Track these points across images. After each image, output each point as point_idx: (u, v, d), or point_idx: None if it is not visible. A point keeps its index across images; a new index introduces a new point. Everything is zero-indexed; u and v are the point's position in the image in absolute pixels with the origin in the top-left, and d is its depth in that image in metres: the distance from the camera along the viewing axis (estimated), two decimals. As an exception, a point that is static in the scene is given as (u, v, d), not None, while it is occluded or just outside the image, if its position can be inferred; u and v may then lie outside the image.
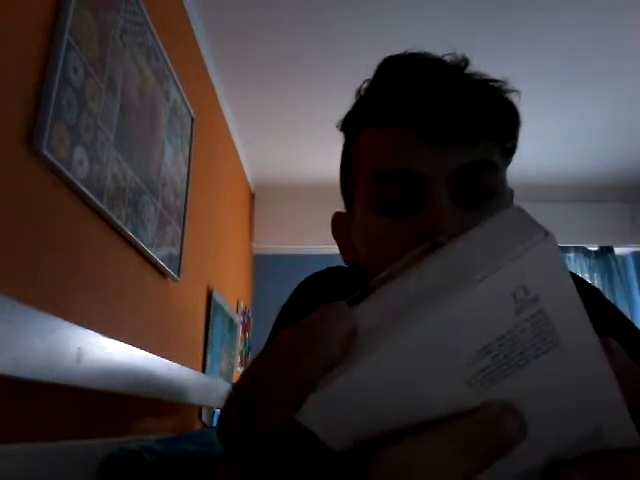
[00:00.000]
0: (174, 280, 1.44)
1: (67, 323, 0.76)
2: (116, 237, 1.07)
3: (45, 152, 0.77)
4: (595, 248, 3.23)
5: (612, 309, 0.53)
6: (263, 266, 3.13)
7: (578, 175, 3.00)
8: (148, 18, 1.25)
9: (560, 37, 1.90)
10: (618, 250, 3.21)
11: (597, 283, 3.15)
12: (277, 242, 3.04)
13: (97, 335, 0.85)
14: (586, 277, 3.13)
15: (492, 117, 0.43)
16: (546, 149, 2.67)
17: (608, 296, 2.84)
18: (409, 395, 0.18)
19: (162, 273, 1.36)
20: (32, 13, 0.81)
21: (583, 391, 0.20)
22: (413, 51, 0.47)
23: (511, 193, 0.51)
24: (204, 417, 1.68)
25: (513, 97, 0.45)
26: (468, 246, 0.19)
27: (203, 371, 1.78)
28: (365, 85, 0.50)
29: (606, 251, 3.21)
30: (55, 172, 0.83)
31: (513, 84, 0.45)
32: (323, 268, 0.66)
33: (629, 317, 0.52)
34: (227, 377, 2.14)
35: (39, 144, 0.77)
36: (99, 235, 1.00)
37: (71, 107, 0.86)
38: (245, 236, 2.91)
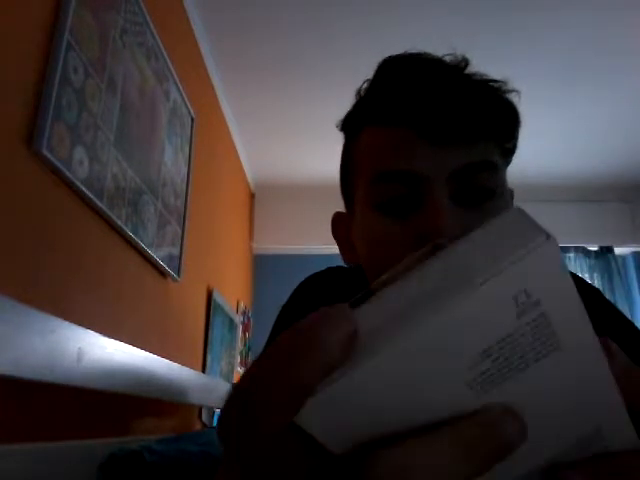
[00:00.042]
0: (174, 280, 1.44)
1: (67, 323, 0.76)
2: (116, 237, 1.07)
3: (45, 152, 0.77)
4: (595, 248, 3.23)
5: (612, 309, 0.53)
6: (263, 266, 3.13)
7: (578, 175, 3.00)
8: (148, 18, 1.25)
9: (560, 37, 1.90)
10: (618, 250, 3.21)
11: (597, 283, 3.15)
12: (277, 242, 3.04)
13: (97, 335, 0.85)
14: (586, 277, 3.13)
15: (492, 117, 0.43)
16: (546, 149, 2.67)
17: (608, 296, 2.84)
18: (410, 398, 0.18)
19: (162, 273, 1.36)
20: (32, 13, 0.81)
21: (583, 393, 0.20)
22: (413, 51, 0.47)
23: (511, 193, 0.51)
24: (204, 417, 1.68)
25: (513, 97, 0.45)
26: (469, 248, 0.19)
27: (203, 371, 1.78)
28: (365, 85, 0.49)
29: (606, 251, 3.21)
30: (55, 172, 0.83)
31: (513, 84, 0.45)
32: (323, 268, 0.66)
33: (629, 317, 0.52)
34: (227, 377, 2.14)
35: (39, 144, 0.77)
36: (99, 235, 1.00)
37: (71, 107, 0.86)
38: (245, 236, 2.91)
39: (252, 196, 3.13)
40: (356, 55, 1.87)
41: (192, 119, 1.64)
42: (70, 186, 0.87)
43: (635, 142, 2.64)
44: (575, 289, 0.18)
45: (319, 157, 2.67)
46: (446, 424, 0.18)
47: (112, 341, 0.91)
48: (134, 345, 1.02)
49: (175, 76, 1.46)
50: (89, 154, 0.92)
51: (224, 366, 2.11)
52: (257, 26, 1.83)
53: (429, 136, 0.42)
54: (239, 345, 2.51)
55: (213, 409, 1.74)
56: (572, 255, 3.22)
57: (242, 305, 2.68)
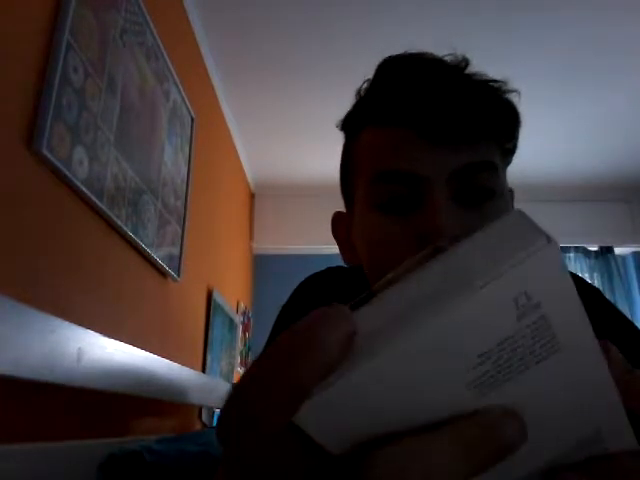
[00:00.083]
0: (174, 280, 1.44)
1: (67, 323, 0.76)
2: (116, 237, 1.08)
3: (45, 152, 0.77)
4: (595, 248, 3.23)
5: (612, 309, 0.53)
6: (263, 266, 3.13)
7: (578, 175, 3.00)
8: (148, 18, 1.25)
9: (560, 37, 1.90)
10: (618, 250, 3.22)
11: (597, 283, 3.15)
12: (277, 242, 3.05)
13: (97, 335, 0.85)
14: (586, 277, 3.13)
15: (492, 117, 0.43)
16: (546, 149, 2.67)
17: (608, 296, 2.84)
18: (409, 399, 0.18)
19: (162, 273, 1.36)
20: (32, 13, 0.81)
21: (583, 395, 0.20)
22: (413, 51, 0.47)
23: (511, 193, 0.51)
24: (204, 417, 1.68)
25: (513, 97, 0.45)
26: (469, 251, 0.19)
27: (203, 371, 1.78)
28: (365, 85, 0.50)
29: (606, 251, 3.21)
30: (55, 172, 0.83)
31: (513, 84, 0.45)
32: (323, 268, 0.66)
33: (629, 317, 0.52)
34: (227, 377, 2.14)
35: (39, 144, 0.77)
36: (99, 235, 1.00)
37: (71, 107, 0.86)
38: (245, 236, 2.91)
39: (252, 196, 3.13)
40: (356, 55, 1.87)
41: (192, 119, 1.64)
42: (70, 186, 0.87)
43: (635, 142, 2.64)
44: (575, 292, 0.18)
45: (319, 157, 2.67)
46: (445, 424, 0.18)
47: (112, 341, 0.91)
48: (134, 345, 1.02)
49: (175, 76, 1.46)
50: (89, 154, 0.92)
51: (224, 366, 2.11)
52: (257, 26, 1.83)
53: (429, 136, 0.42)
54: (239, 345, 2.51)
55: (213, 409, 1.74)
56: (572, 255, 3.22)
57: (242, 305, 2.68)
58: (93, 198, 0.93)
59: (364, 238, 0.47)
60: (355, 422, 0.18)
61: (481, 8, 1.75)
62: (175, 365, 1.28)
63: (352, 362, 0.17)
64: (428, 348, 0.17)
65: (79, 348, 0.78)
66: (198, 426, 1.64)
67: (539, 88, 2.16)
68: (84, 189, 0.89)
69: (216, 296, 1.97)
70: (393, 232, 0.43)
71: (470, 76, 0.45)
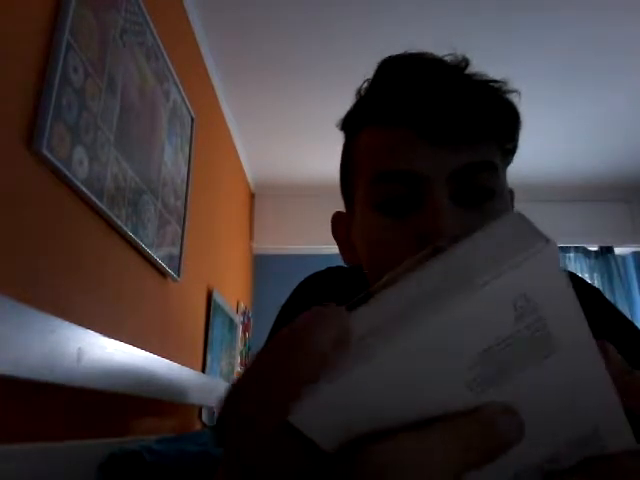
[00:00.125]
0: (174, 280, 1.44)
1: (67, 323, 0.76)
2: (116, 237, 1.08)
3: (45, 152, 0.77)
4: (595, 248, 3.23)
5: (612, 309, 0.53)
6: (263, 266, 3.13)
7: (578, 175, 3.00)
8: (148, 18, 1.25)
9: (560, 37, 1.90)
10: (618, 250, 3.22)
11: (597, 283, 3.15)
12: (277, 242, 3.04)
13: (97, 335, 0.85)
14: (586, 277, 3.13)
15: (492, 118, 0.43)
16: (546, 149, 2.67)
17: (608, 296, 2.84)
18: (408, 397, 0.18)
19: (162, 273, 1.36)
20: (32, 13, 0.81)
21: (580, 394, 0.20)
22: (413, 51, 0.47)
23: (511, 193, 0.51)
24: (204, 417, 1.68)
25: (513, 97, 0.45)
26: (469, 251, 0.19)
27: (203, 371, 1.78)
28: (365, 85, 0.49)
29: (606, 251, 3.21)
30: (55, 172, 0.83)
31: (513, 84, 0.45)
32: (323, 268, 0.66)
33: (629, 317, 0.52)
34: (227, 377, 2.14)
35: (39, 144, 0.77)
36: (99, 235, 1.00)
37: (71, 107, 0.86)
38: (245, 236, 2.91)
39: (252, 196, 3.13)
40: (356, 55, 1.87)
41: (192, 119, 1.64)
42: (70, 186, 0.87)
43: (635, 142, 2.64)
44: (573, 293, 0.18)
45: (319, 157, 2.67)
46: (439, 420, 0.18)
47: (112, 341, 0.91)
48: (134, 345, 1.02)
49: (175, 76, 1.46)
50: (89, 154, 0.92)
51: (224, 366, 2.11)
52: (257, 26, 1.83)
53: (429, 136, 0.42)
54: (239, 345, 2.51)
55: (213, 409, 1.74)
56: (572, 255, 3.22)
57: (242, 305, 2.68)
58: (93, 198, 0.93)
59: (364, 238, 0.47)
60: (351, 420, 0.18)
61: (481, 8, 1.75)
62: (175, 365, 1.28)
63: (351, 361, 0.17)
64: (428, 346, 0.17)
65: (79, 348, 0.78)
66: (198, 426, 1.64)
67: (539, 88, 2.16)
68: (84, 189, 0.89)
69: (216, 296, 1.97)
70: (393, 232, 0.43)
71: (470, 76, 0.45)
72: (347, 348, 0.18)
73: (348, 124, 0.51)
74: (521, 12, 1.77)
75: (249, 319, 2.85)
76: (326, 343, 0.18)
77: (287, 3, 1.73)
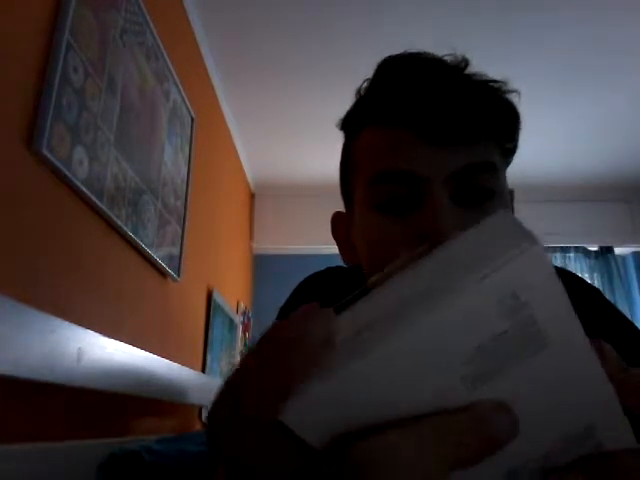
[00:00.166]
0: (174, 280, 1.44)
1: (67, 323, 0.76)
2: (116, 237, 1.08)
3: (45, 152, 0.77)
4: (595, 248, 3.23)
5: (612, 309, 0.53)
6: (263, 266, 3.13)
7: (578, 175, 3.00)
8: (148, 18, 1.25)
9: (560, 37, 1.90)
10: (618, 250, 3.22)
11: (597, 283, 3.15)
12: (277, 242, 3.04)
13: (97, 335, 0.85)
14: (586, 277, 3.13)
15: (492, 118, 0.43)
16: (546, 149, 2.67)
17: (608, 296, 2.84)
18: (401, 394, 0.18)
19: (162, 273, 1.36)
20: (32, 13, 0.81)
21: (574, 391, 0.20)
22: (413, 51, 0.47)
23: (511, 194, 0.51)
24: (204, 417, 1.68)
25: (513, 97, 0.45)
26: (460, 250, 0.19)
27: (203, 371, 1.78)
28: (365, 85, 0.49)
29: (606, 251, 3.21)
30: (55, 172, 0.83)
31: (513, 84, 0.45)
32: (323, 268, 0.66)
33: (629, 317, 0.52)
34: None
35: (39, 144, 0.77)
36: (99, 235, 1.00)
37: (71, 107, 0.86)
38: (245, 236, 2.92)
39: (252, 196, 3.13)
40: (356, 55, 1.87)
41: (192, 119, 1.64)
42: (70, 186, 0.87)
43: (635, 142, 2.64)
44: (563, 290, 0.18)
45: (319, 157, 2.67)
46: (431, 415, 0.18)
47: (112, 341, 0.91)
48: (134, 345, 1.02)
49: (175, 76, 1.46)
50: (89, 154, 0.92)
51: (224, 366, 2.11)
52: (257, 26, 1.83)
53: (429, 136, 0.42)
54: (239, 345, 2.51)
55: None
56: (572, 255, 3.22)
57: (242, 305, 2.68)
58: (93, 198, 0.93)
59: (363, 238, 0.47)
60: (343, 418, 0.18)
61: (481, 8, 1.75)
62: (175, 365, 1.28)
63: (346, 359, 0.18)
64: (420, 344, 0.17)
65: (79, 348, 0.78)
66: (198, 426, 1.64)
67: (539, 88, 2.16)
68: (84, 189, 0.89)
69: (216, 296, 1.97)
70: (392, 232, 0.43)
71: (470, 76, 0.45)
72: (333, 348, 0.18)
73: (348, 124, 0.51)
74: (521, 12, 1.77)
75: (249, 319, 2.85)
76: (315, 341, 0.18)
77: (287, 3, 1.73)
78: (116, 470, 0.84)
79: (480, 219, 0.20)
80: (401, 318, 0.18)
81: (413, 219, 0.42)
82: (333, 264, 0.65)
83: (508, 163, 0.48)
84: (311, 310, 0.19)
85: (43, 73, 0.81)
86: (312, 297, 0.62)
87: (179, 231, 1.47)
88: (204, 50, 1.88)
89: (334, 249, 0.55)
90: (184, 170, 1.55)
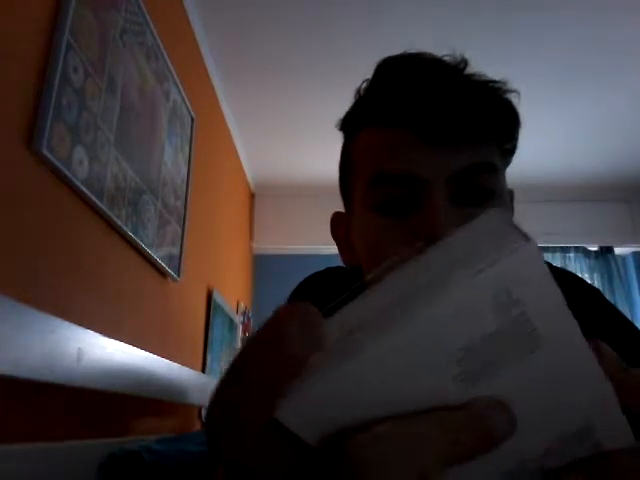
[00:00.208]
0: (174, 280, 1.44)
1: (67, 323, 0.76)
2: (116, 237, 1.08)
3: (45, 152, 0.77)
4: (595, 248, 3.23)
5: (612, 310, 0.53)
6: (263, 266, 3.13)
7: (578, 175, 3.00)
8: (148, 18, 1.25)
9: (560, 37, 1.90)
10: (618, 250, 3.21)
11: (597, 283, 3.15)
12: (277, 242, 3.05)
13: (97, 335, 0.85)
14: (586, 277, 3.13)
15: (492, 118, 0.43)
16: (546, 149, 2.67)
17: (608, 296, 2.84)
18: (396, 392, 0.18)
19: (162, 273, 1.36)
20: (32, 13, 0.81)
21: (571, 390, 0.20)
22: (412, 51, 0.47)
23: (511, 194, 0.51)
24: (204, 417, 1.68)
25: (513, 97, 0.45)
26: (453, 247, 0.19)
27: (203, 371, 1.78)
28: (364, 85, 0.49)
29: (606, 251, 3.21)
30: (55, 172, 0.83)
31: (513, 84, 0.45)
32: (323, 268, 0.66)
33: (629, 317, 0.52)
34: (227, 377, 2.14)
35: (39, 144, 0.77)
36: (99, 235, 1.00)
37: (71, 107, 0.86)
38: (245, 236, 2.92)
39: (252, 196, 3.13)
40: (356, 55, 1.87)
41: (192, 119, 1.64)
42: (70, 186, 0.87)
43: (635, 142, 2.64)
44: (557, 288, 0.18)
45: (319, 157, 2.67)
46: (429, 411, 0.18)
47: (112, 341, 0.91)
48: (134, 345, 1.02)
49: (175, 76, 1.46)
50: (89, 154, 0.92)
51: (224, 366, 2.11)
52: (257, 26, 1.83)
53: (428, 137, 0.42)
54: (239, 345, 2.51)
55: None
56: (572, 255, 3.22)
57: (242, 305, 2.68)
58: (93, 198, 0.93)
59: (363, 239, 0.47)
60: (338, 415, 0.18)
61: (481, 8, 1.75)
62: (175, 365, 1.28)
63: (340, 357, 0.18)
64: (415, 342, 0.18)
65: (79, 348, 0.78)
66: (198, 426, 1.64)
67: (539, 88, 2.16)
68: (84, 189, 0.89)
69: (216, 296, 1.97)
70: (392, 233, 0.43)
71: (469, 76, 0.45)
72: (320, 347, 0.18)
73: (347, 124, 0.51)
74: (521, 12, 1.77)
75: (249, 319, 2.85)
76: (307, 339, 0.18)
77: (287, 3, 1.73)
78: (116, 470, 0.84)
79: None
80: (394, 316, 0.18)
81: (412, 220, 0.42)
82: (333, 264, 0.65)
83: (508, 163, 0.48)
84: (297, 308, 0.19)
85: (43, 73, 0.81)
86: (312, 297, 0.62)
87: (179, 231, 1.47)
88: (204, 50, 1.88)
89: (334, 249, 0.55)
90: (184, 170, 1.55)
